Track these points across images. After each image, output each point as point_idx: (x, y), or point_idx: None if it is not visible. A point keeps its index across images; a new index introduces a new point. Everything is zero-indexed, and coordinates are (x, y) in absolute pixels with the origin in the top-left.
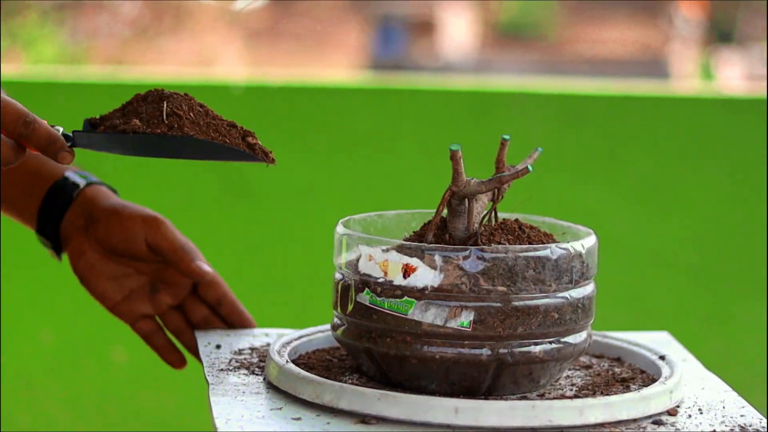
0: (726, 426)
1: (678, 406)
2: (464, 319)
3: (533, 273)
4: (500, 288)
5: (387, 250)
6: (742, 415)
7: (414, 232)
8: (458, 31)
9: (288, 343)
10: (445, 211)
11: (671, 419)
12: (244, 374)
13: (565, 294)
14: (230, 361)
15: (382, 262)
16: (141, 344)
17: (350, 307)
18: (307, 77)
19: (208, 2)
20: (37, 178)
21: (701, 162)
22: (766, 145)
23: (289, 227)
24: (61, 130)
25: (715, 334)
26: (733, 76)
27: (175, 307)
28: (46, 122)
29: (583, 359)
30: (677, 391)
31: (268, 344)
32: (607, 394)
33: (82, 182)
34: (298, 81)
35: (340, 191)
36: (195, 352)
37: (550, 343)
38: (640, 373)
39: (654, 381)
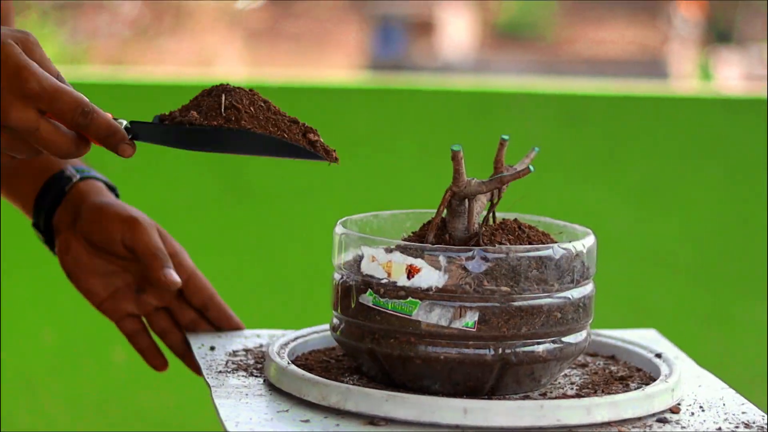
0: (730, 423)
1: (679, 404)
2: (469, 320)
3: (536, 273)
4: (504, 288)
5: (390, 251)
6: (743, 412)
7: (413, 232)
8: (457, 32)
9: (285, 344)
10: (444, 211)
11: (675, 417)
12: (242, 376)
13: (567, 293)
14: (227, 362)
15: (385, 263)
16: None
17: (352, 308)
18: (306, 77)
19: (208, 2)
20: (39, 169)
21: (700, 162)
22: (765, 145)
23: (289, 227)
24: (124, 123)
25: (715, 334)
26: (732, 76)
27: (162, 308)
28: (110, 114)
29: (579, 358)
30: (678, 389)
31: (262, 345)
32: (608, 393)
33: (76, 176)
34: (297, 81)
35: (339, 191)
36: (180, 354)
37: (553, 342)
38: (636, 371)
39: (652, 379)
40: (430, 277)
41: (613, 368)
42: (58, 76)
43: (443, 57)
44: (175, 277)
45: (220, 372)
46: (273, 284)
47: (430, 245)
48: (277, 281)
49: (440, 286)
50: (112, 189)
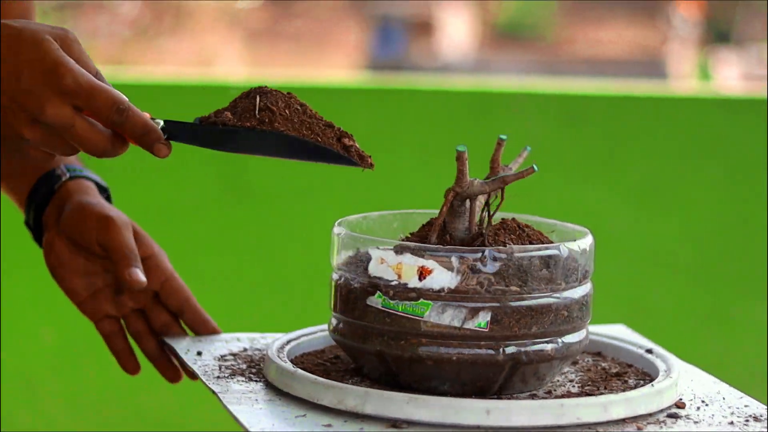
0: (738, 417)
1: (682, 399)
2: (481, 320)
3: (546, 272)
4: (515, 288)
5: (401, 253)
6: (746, 405)
7: (411, 233)
8: (457, 32)
9: (281, 348)
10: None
11: (683, 412)
12: (242, 381)
13: (572, 292)
14: (220, 368)
15: (395, 264)
16: None
17: (358, 311)
18: (306, 77)
19: (208, 2)
20: (34, 167)
21: (700, 162)
22: (764, 145)
23: (289, 227)
24: (160, 123)
25: (714, 334)
26: (731, 76)
27: (138, 310)
28: (147, 114)
29: None
30: (680, 384)
31: (246, 349)
32: (610, 390)
33: (66, 175)
34: (297, 81)
35: (339, 191)
36: (152, 358)
37: (560, 341)
38: (628, 367)
39: (645, 374)
40: (442, 278)
41: (603, 365)
42: (96, 75)
43: (443, 57)
44: (140, 276)
45: (219, 377)
46: (273, 284)
47: (442, 246)
48: (277, 281)
49: (452, 287)
50: (104, 189)
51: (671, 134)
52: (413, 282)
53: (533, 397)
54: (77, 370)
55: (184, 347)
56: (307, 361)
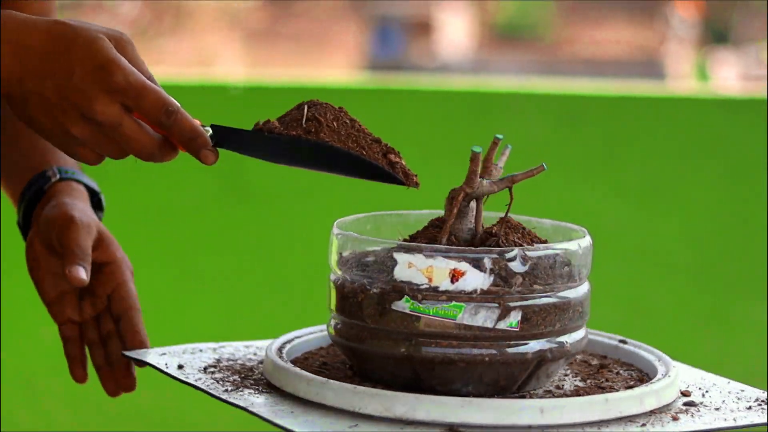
0: (746, 402)
1: (687, 388)
2: (513, 320)
3: (567, 269)
4: (541, 286)
5: (431, 256)
6: (742, 390)
7: (410, 235)
8: (456, 32)
9: (280, 350)
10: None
11: (697, 400)
12: (254, 392)
13: (583, 287)
14: (219, 381)
15: (425, 268)
16: None
17: (381, 316)
18: (305, 77)
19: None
20: (28, 165)
21: (699, 162)
22: (763, 145)
23: (288, 228)
24: (209, 131)
25: (714, 334)
26: (729, 76)
27: (95, 318)
28: (198, 121)
29: None
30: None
31: (219, 360)
32: (609, 381)
33: (56, 177)
34: (296, 81)
35: (339, 192)
36: (97, 367)
37: (574, 336)
38: (603, 358)
39: (626, 365)
40: (474, 279)
41: (580, 357)
42: (149, 78)
43: (442, 57)
44: (80, 274)
45: (227, 391)
46: (273, 285)
47: (474, 248)
48: (277, 282)
49: (485, 288)
50: (95, 194)
51: (670, 134)
52: (445, 285)
53: (549, 393)
54: None
55: (162, 362)
56: (306, 365)
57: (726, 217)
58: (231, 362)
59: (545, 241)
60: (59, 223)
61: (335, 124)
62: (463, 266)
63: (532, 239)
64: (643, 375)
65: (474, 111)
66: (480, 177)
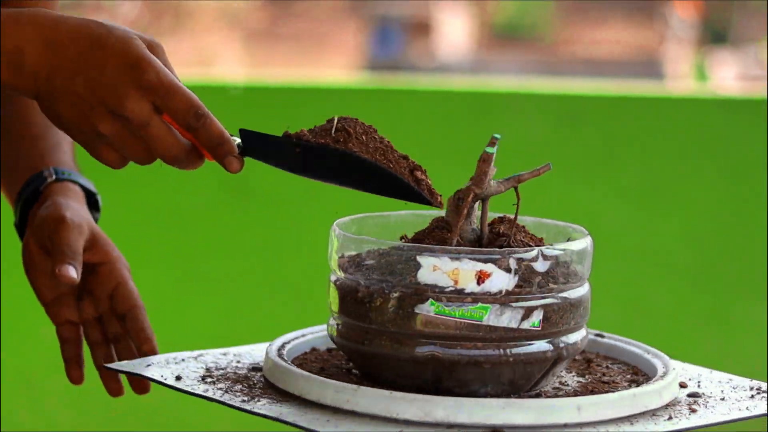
0: (743, 390)
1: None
2: (535, 319)
3: (579, 267)
4: (559, 285)
5: (457, 259)
6: (730, 379)
7: (402, 237)
8: (455, 32)
9: (285, 360)
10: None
11: (698, 390)
12: (272, 402)
13: (587, 285)
14: (226, 390)
15: (451, 270)
16: None
17: (405, 320)
18: (305, 77)
19: (207, 2)
20: (28, 167)
21: (698, 162)
22: (762, 145)
23: (290, 229)
24: (237, 140)
25: (713, 334)
26: (728, 76)
27: (97, 318)
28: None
29: None
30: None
31: (210, 369)
32: (608, 375)
33: (52, 177)
34: (296, 81)
35: (339, 192)
36: (99, 368)
37: (582, 333)
38: (583, 353)
39: (609, 358)
40: (500, 280)
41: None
42: None
43: (441, 57)
44: (70, 272)
45: (245, 401)
46: (275, 286)
47: (498, 249)
48: (279, 283)
49: (510, 288)
50: (92, 194)
51: (669, 134)
52: (471, 287)
53: (559, 390)
54: None
55: (157, 373)
56: (306, 368)
57: (725, 217)
58: (221, 371)
59: (541, 240)
60: (51, 223)
61: (364, 138)
62: (489, 268)
63: (532, 238)
64: (630, 367)
65: (473, 111)
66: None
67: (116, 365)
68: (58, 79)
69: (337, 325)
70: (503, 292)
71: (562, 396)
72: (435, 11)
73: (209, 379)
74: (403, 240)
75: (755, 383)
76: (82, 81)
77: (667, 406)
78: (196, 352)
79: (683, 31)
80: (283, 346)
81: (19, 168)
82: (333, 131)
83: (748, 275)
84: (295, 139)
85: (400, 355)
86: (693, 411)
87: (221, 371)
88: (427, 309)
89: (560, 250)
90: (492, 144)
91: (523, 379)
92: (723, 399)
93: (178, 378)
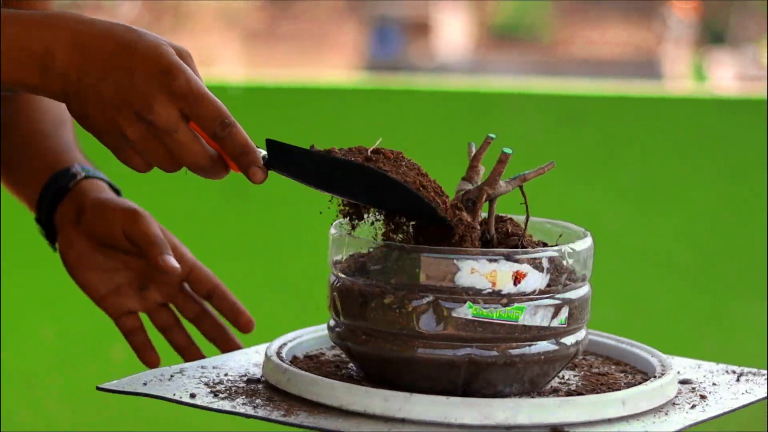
0: (734, 372)
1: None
2: (563, 316)
3: (590, 263)
4: (575, 282)
5: (494, 261)
6: (718, 364)
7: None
8: (454, 32)
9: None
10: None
11: (700, 382)
12: (308, 414)
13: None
14: (258, 405)
15: (489, 272)
16: None
17: (440, 324)
18: (304, 78)
19: (207, 2)
20: (45, 165)
21: (697, 162)
22: (760, 145)
23: (288, 229)
24: (263, 152)
25: (713, 334)
26: (726, 76)
27: (163, 304)
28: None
29: None
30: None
31: (210, 382)
32: (596, 368)
33: (81, 174)
34: (295, 82)
35: None
36: (181, 350)
37: (585, 330)
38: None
39: (591, 353)
40: (535, 280)
41: None
42: None
43: (440, 58)
44: (174, 263)
45: (284, 414)
46: (275, 287)
47: (532, 249)
48: (278, 283)
49: (543, 287)
50: (116, 191)
51: (668, 134)
52: (508, 288)
53: (565, 386)
54: (77, 369)
55: (175, 395)
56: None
57: (725, 216)
58: (217, 384)
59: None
60: (121, 218)
61: (391, 157)
62: (525, 268)
63: (530, 237)
64: (614, 360)
65: (472, 111)
66: (465, 178)
67: (113, 385)
68: (87, 80)
69: (357, 329)
70: (536, 292)
71: (565, 392)
72: (434, 11)
73: (223, 393)
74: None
75: (738, 369)
76: (111, 84)
77: (676, 396)
78: (177, 366)
79: (681, 31)
80: (284, 345)
81: (35, 168)
82: (369, 151)
83: (748, 275)
84: (324, 153)
85: (434, 359)
86: (703, 397)
87: (217, 384)
88: (465, 312)
89: (582, 246)
90: (487, 142)
91: (542, 377)
92: (715, 384)
93: (192, 396)
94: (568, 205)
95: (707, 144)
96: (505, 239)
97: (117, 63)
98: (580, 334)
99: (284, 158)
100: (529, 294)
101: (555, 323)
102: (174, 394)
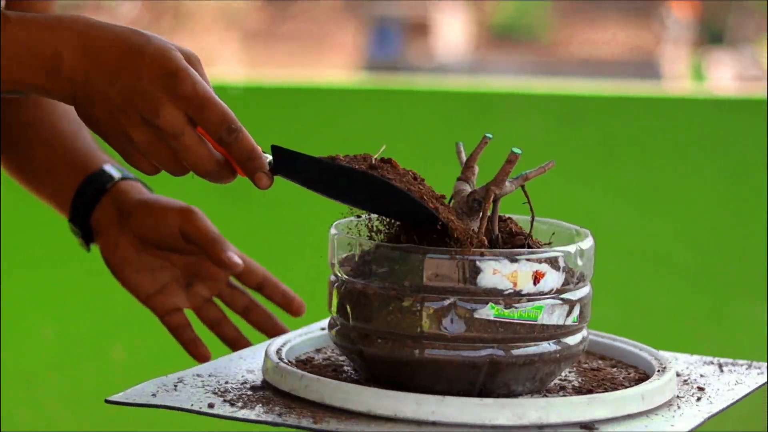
0: (733, 365)
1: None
2: (575, 314)
3: (594, 262)
4: (581, 280)
5: (516, 260)
6: (713, 357)
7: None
8: (453, 33)
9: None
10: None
11: (688, 374)
12: (339, 421)
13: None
14: (280, 413)
15: (510, 273)
16: (140, 342)
17: (465, 325)
18: (303, 78)
19: (206, 3)
20: (75, 165)
21: (696, 162)
22: (760, 145)
23: (287, 229)
24: (269, 158)
25: (712, 334)
26: (725, 76)
27: (209, 299)
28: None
29: None
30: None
31: (218, 391)
32: (589, 363)
33: (117, 175)
34: (294, 82)
35: None
36: (231, 343)
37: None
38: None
39: (590, 354)
40: (552, 279)
41: None
42: None
43: (439, 58)
44: (237, 258)
45: (315, 422)
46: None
47: (550, 248)
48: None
49: (559, 286)
50: (149, 190)
51: (667, 134)
52: (528, 287)
53: (566, 383)
54: (77, 369)
55: (193, 405)
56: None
57: (724, 216)
58: (224, 392)
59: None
60: (176, 217)
61: (398, 169)
62: (544, 267)
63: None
64: (598, 354)
65: (471, 111)
66: (462, 178)
67: (121, 397)
68: (94, 83)
69: (372, 333)
70: (553, 291)
71: (572, 389)
72: (433, 12)
73: (238, 404)
74: (404, 240)
75: (730, 360)
76: (119, 87)
77: (679, 390)
78: (173, 375)
79: (680, 31)
80: (282, 346)
81: (60, 166)
82: (373, 160)
83: (748, 275)
84: (329, 160)
85: (455, 360)
86: (701, 389)
87: (239, 392)
88: (487, 313)
89: (588, 245)
90: (484, 142)
91: (550, 376)
92: (703, 375)
93: (211, 405)
94: (568, 205)
95: (707, 144)
96: (510, 239)
97: (124, 66)
98: (585, 332)
99: (290, 164)
100: (546, 293)
101: (569, 321)
102: (192, 405)
